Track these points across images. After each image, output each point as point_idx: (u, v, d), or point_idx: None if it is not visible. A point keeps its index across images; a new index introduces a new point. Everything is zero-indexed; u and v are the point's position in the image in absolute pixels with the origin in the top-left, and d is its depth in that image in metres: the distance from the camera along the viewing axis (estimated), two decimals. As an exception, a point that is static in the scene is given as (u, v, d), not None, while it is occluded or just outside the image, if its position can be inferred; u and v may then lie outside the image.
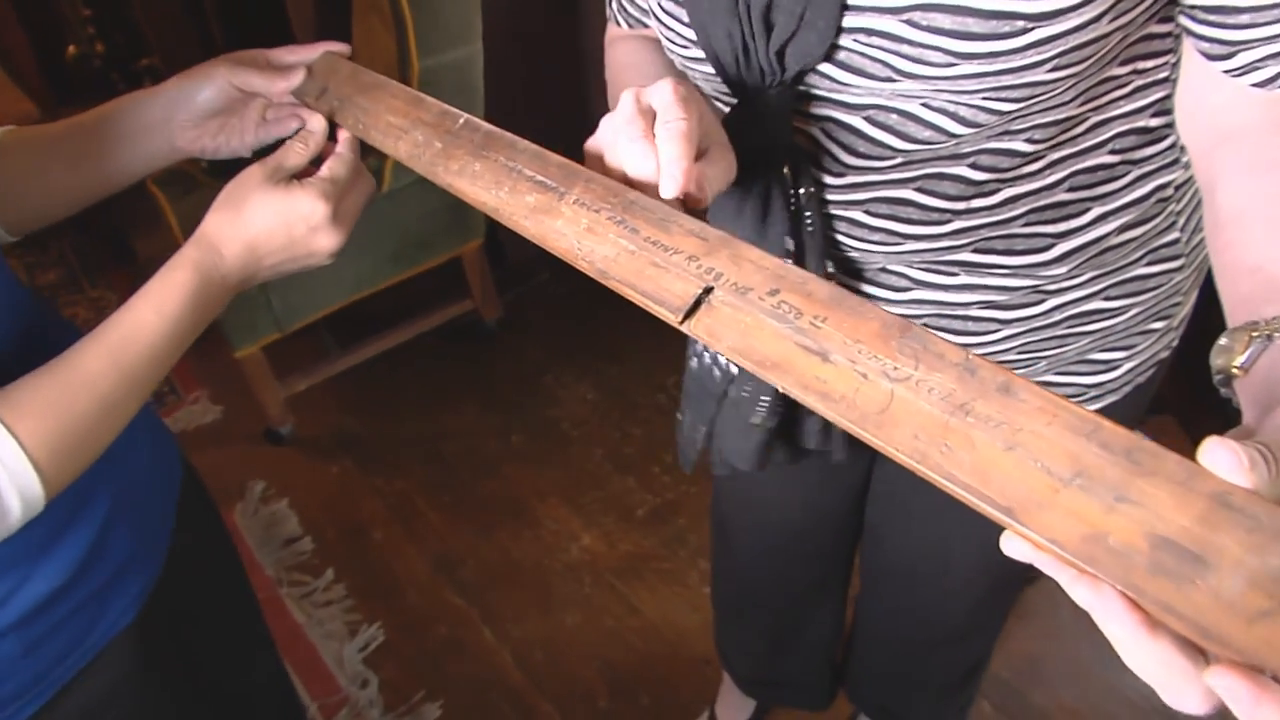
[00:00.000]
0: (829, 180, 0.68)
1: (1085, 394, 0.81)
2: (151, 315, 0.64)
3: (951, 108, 0.59)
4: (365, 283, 1.95)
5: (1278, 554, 0.30)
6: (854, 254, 0.73)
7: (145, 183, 1.73)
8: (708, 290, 0.47)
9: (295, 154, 0.72)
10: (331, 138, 0.75)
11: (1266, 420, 0.39)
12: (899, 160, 0.64)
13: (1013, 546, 0.35)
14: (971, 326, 0.75)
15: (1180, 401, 1.82)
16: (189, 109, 0.78)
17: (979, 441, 0.36)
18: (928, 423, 0.38)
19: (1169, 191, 0.71)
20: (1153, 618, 0.32)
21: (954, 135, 0.60)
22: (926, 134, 0.61)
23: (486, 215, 0.59)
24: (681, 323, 0.47)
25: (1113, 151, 0.66)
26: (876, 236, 0.70)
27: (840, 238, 0.72)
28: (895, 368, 0.40)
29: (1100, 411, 0.83)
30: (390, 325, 2.18)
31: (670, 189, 0.52)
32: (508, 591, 1.80)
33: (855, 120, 0.63)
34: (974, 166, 0.64)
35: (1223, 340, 0.47)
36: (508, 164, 0.58)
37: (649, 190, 0.53)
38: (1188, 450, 0.33)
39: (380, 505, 1.96)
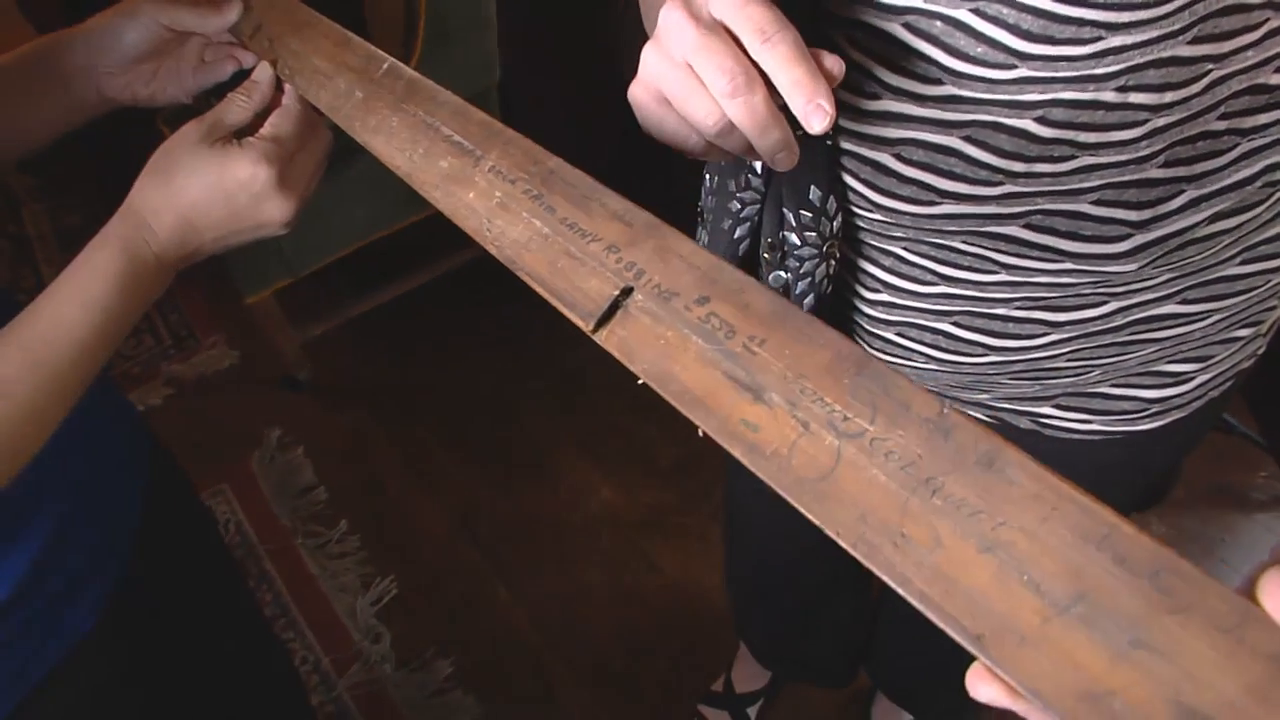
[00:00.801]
0: (854, 108, 0.54)
1: (1147, 410, 0.68)
2: (73, 308, 0.57)
3: (1012, 16, 0.45)
4: (379, 225, 1.87)
5: (1370, 762, 0.20)
6: (875, 214, 0.59)
7: (157, 124, 1.66)
8: (626, 291, 0.37)
9: (235, 108, 0.63)
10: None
11: None
12: (943, 91, 0.50)
13: (980, 689, 0.25)
14: (1012, 329, 0.62)
15: (1269, 412, 1.50)
16: (114, 53, 0.69)
17: (946, 536, 0.26)
18: (881, 501, 0.28)
19: (1278, 174, 0.56)
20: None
21: (1014, 55, 0.47)
22: (979, 49, 0.47)
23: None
24: (594, 331, 0.37)
25: (1223, 116, 0.51)
26: (907, 190, 0.56)
27: (859, 186, 0.58)
28: (846, 418, 0.30)
29: (1164, 430, 0.69)
30: (408, 269, 2.10)
31: (821, 119, 0.38)
32: (524, 546, 1.75)
33: (892, 25, 0.49)
34: (1042, 121, 0.50)
35: None
36: (427, 119, 0.52)
37: (768, 139, 0.40)
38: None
39: (396, 454, 1.91)
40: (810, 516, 0.28)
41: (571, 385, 1.99)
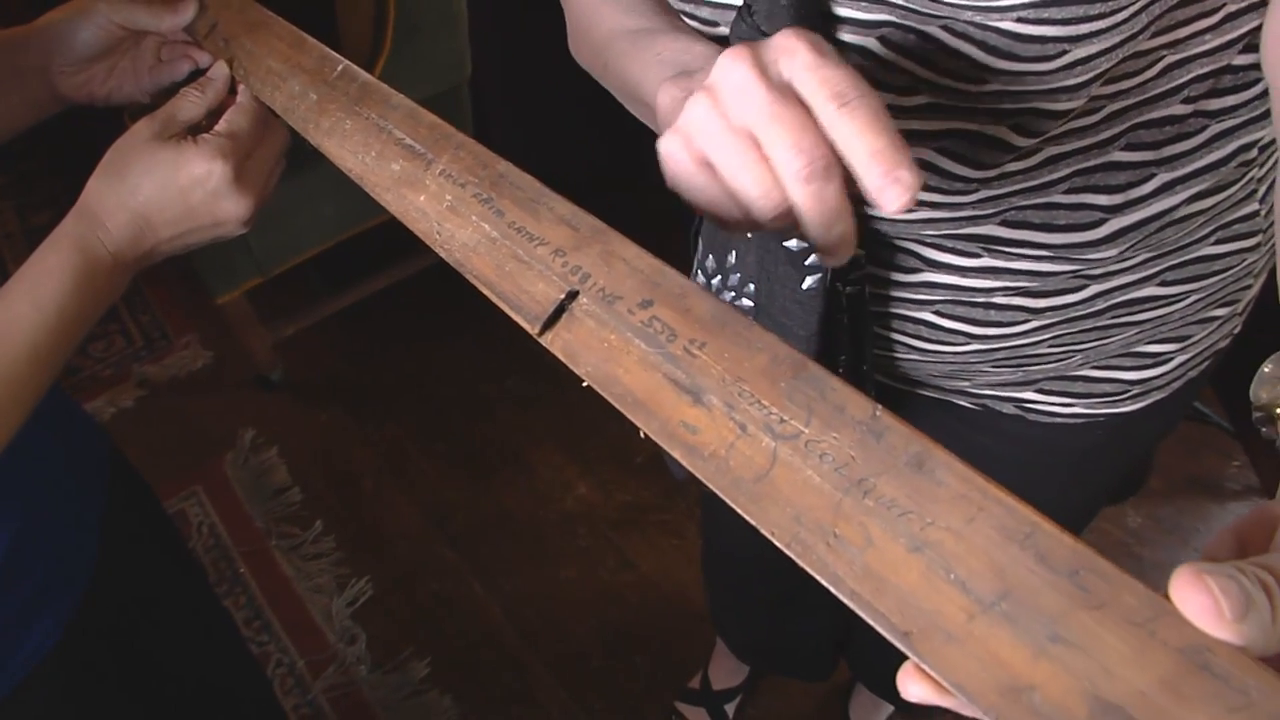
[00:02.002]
0: None
1: (1128, 391, 0.69)
2: (26, 308, 0.55)
3: (979, 34, 0.45)
4: (349, 223, 1.86)
5: (1271, 752, 0.21)
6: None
7: (124, 120, 1.64)
8: (571, 295, 0.38)
9: (188, 104, 0.62)
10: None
11: None
12: (920, 101, 0.50)
13: (910, 688, 0.25)
14: (994, 316, 0.62)
15: (1240, 402, 1.57)
16: (68, 52, 0.68)
17: (876, 535, 0.27)
18: (815, 502, 0.28)
19: (1252, 154, 0.56)
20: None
21: (984, 69, 0.47)
22: (951, 64, 0.48)
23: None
24: (540, 334, 0.38)
25: (1186, 100, 0.52)
26: None
27: None
28: (782, 420, 0.30)
29: (1145, 411, 0.69)
30: (381, 266, 2.09)
31: (900, 195, 0.32)
32: (500, 544, 1.75)
33: (868, 40, 0.49)
34: (1015, 129, 0.50)
35: (1267, 367, 0.35)
36: (379, 122, 0.52)
37: (833, 232, 0.35)
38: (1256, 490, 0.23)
39: (371, 453, 1.91)
40: (746, 517, 0.29)
41: (547, 382, 1.98)
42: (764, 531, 0.28)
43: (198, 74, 0.74)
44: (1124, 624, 0.23)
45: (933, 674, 0.24)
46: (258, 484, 1.85)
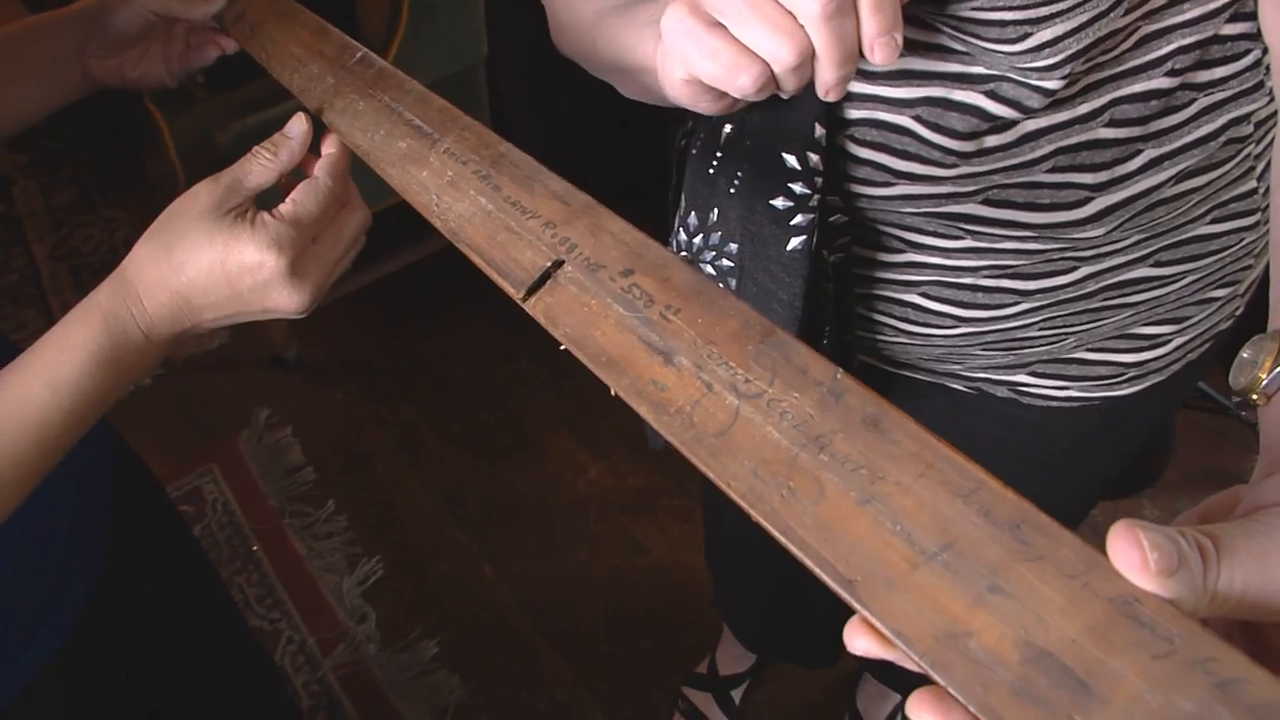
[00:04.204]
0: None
1: (1124, 374, 0.68)
2: (40, 387, 0.50)
3: (940, 18, 0.46)
4: (367, 202, 1.87)
5: (1191, 695, 0.21)
6: (833, 199, 0.59)
7: (144, 103, 1.67)
8: (557, 264, 0.39)
9: (257, 168, 0.53)
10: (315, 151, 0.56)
11: (1261, 486, 0.29)
12: (895, 66, 0.50)
13: (856, 641, 0.26)
14: (982, 298, 0.62)
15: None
16: (103, 37, 0.70)
17: (829, 488, 0.28)
18: (772, 456, 0.29)
19: (1246, 129, 0.55)
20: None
21: (958, 41, 0.47)
22: (919, 36, 0.48)
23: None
24: (524, 300, 0.39)
25: (1171, 73, 0.50)
26: (861, 172, 0.56)
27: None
28: (747, 380, 0.31)
29: (1143, 395, 0.68)
30: (395, 248, 2.10)
31: (892, 52, 0.37)
32: (511, 526, 1.76)
33: None
34: (991, 96, 0.50)
35: (1245, 353, 0.35)
36: (391, 104, 0.54)
37: (847, 68, 0.37)
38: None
39: (384, 434, 1.93)
40: (706, 470, 0.30)
41: (560, 366, 1.97)
42: (720, 484, 0.29)
43: (224, 59, 0.75)
44: (1060, 576, 0.24)
45: (873, 621, 0.25)
46: (272, 463, 1.87)
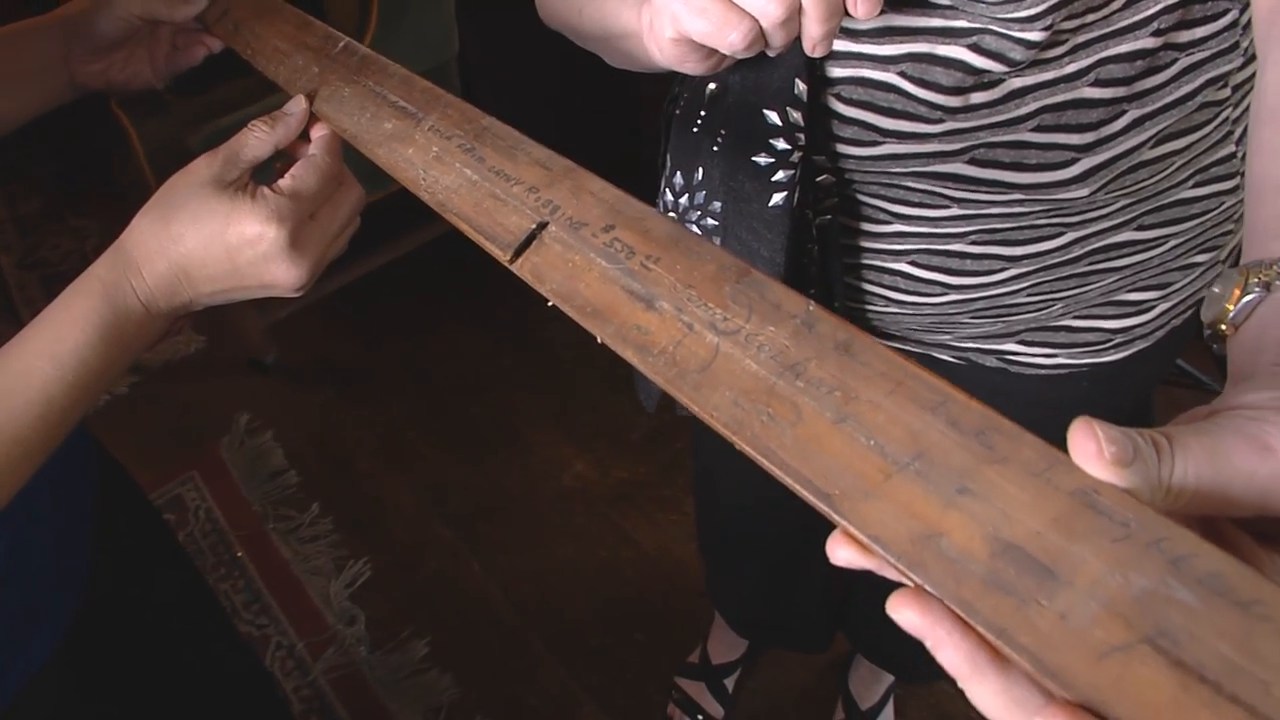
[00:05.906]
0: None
1: (1110, 340, 0.69)
2: (43, 361, 0.50)
3: None
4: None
5: (1147, 572, 0.23)
6: (819, 159, 0.60)
7: (111, 106, 1.66)
8: (541, 225, 0.40)
9: (254, 140, 0.54)
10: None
11: (1227, 395, 0.31)
12: (870, 24, 0.51)
13: (838, 552, 0.28)
14: (970, 265, 0.63)
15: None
16: (88, 42, 0.70)
17: (806, 411, 0.29)
18: (752, 386, 0.30)
19: (1224, 91, 0.56)
20: (999, 650, 0.25)
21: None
22: None
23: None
24: (511, 261, 0.40)
25: (1156, 33, 0.51)
26: (848, 131, 0.57)
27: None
28: (725, 318, 0.32)
29: (1129, 361, 0.70)
30: (374, 247, 2.10)
31: (872, 3, 0.40)
32: (498, 523, 1.76)
33: None
34: (975, 49, 0.50)
35: (1215, 287, 0.37)
36: (375, 89, 0.55)
37: (834, 21, 0.40)
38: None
39: (367, 434, 1.92)
40: (689, 404, 0.31)
41: (542, 360, 2.00)
42: (704, 415, 0.30)
43: (212, 59, 0.76)
44: (1024, 474, 0.25)
45: (853, 530, 0.27)
46: (254, 468, 1.86)
